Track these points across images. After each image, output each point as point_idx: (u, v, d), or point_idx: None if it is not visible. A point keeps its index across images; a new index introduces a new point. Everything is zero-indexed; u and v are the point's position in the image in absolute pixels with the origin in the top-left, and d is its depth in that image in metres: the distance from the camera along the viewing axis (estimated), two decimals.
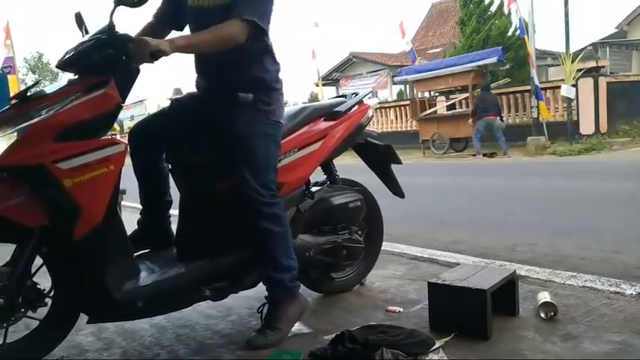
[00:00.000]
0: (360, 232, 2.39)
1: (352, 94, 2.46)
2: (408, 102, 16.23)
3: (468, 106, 13.03)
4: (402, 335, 1.78)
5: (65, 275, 1.74)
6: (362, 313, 2.19)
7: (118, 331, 2.15)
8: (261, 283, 2.06)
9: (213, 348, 1.94)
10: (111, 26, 1.66)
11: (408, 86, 20.73)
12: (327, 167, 2.38)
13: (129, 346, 2.00)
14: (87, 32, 1.83)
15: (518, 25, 12.94)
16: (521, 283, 2.23)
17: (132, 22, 1.87)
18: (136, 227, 2.10)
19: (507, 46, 15.50)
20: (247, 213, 1.90)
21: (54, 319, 1.78)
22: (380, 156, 2.52)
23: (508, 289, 2.00)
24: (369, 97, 2.57)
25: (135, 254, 1.91)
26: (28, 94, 1.64)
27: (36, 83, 1.77)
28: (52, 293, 1.77)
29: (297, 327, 2.04)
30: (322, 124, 2.22)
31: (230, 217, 1.94)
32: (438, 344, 1.76)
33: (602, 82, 12.09)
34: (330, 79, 24.98)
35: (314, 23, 17.59)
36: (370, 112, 2.40)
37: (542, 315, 1.98)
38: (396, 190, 2.58)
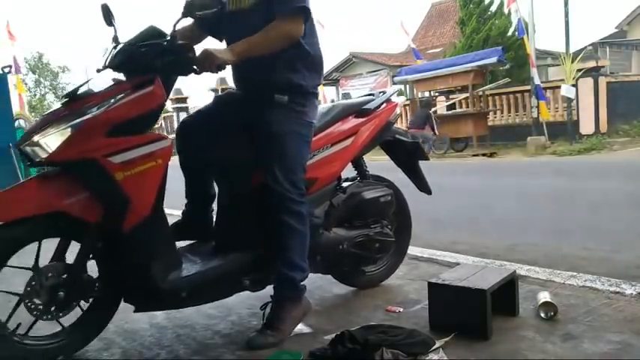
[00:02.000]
0: (389, 226, 2.44)
1: (380, 92, 2.53)
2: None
3: (467, 106, 13.04)
4: (402, 335, 1.78)
5: (112, 266, 1.82)
6: (362, 313, 2.19)
7: (118, 331, 2.15)
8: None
9: (213, 348, 1.94)
10: (174, 35, 1.77)
11: (408, 86, 20.73)
12: (358, 163, 2.44)
13: (129, 346, 2.00)
14: (111, 24, 1.88)
15: (517, 26, 12.93)
16: (521, 282, 2.23)
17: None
18: (180, 218, 2.18)
19: (507, 46, 15.48)
20: (271, 207, 1.94)
21: (98, 308, 1.87)
22: (407, 153, 2.57)
23: (508, 289, 2.00)
24: (396, 95, 2.62)
25: (176, 245, 1.99)
26: (78, 92, 1.74)
27: (85, 82, 1.86)
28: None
29: (298, 327, 2.04)
30: (353, 122, 2.29)
31: (264, 211, 1.99)
32: (437, 344, 1.76)
33: (602, 82, 12.09)
34: (329, 79, 24.95)
35: (320, 25, 17.49)
36: (398, 110, 2.47)
37: (542, 315, 1.98)
38: (423, 186, 2.64)
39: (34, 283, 1.72)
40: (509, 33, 16.93)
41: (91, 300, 1.86)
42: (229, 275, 1.97)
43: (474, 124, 12.41)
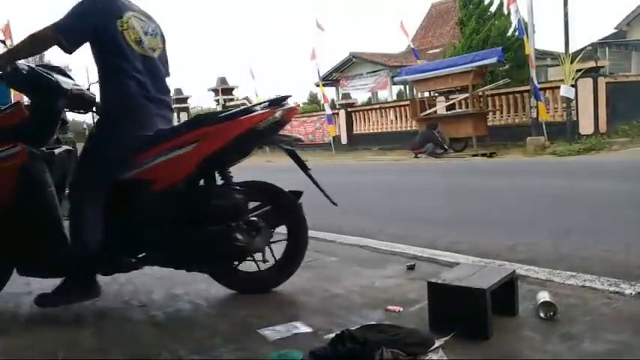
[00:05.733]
0: (248, 232, 2.41)
1: (267, 101, 2.47)
2: (407, 102, 16.26)
3: (467, 107, 13.06)
4: (401, 334, 1.78)
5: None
6: (362, 313, 2.19)
7: (119, 330, 2.16)
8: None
9: (213, 348, 1.94)
10: None
11: (407, 86, 20.76)
12: (222, 171, 2.46)
13: (129, 346, 2.00)
14: None
15: (517, 26, 12.95)
16: (521, 282, 2.23)
17: None
18: None
19: (507, 46, 15.51)
20: None
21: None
22: (295, 160, 2.51)
23: (508, 288, 2.01)
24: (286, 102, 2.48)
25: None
26: None
27: None
28: None
29: (297, 326, 2.04)
30: (199, 130, 2.34)
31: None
32: (437, 344, 1.76)
33: (602, 82, 12.11)
34: (329, 80, 24.97)
35: (318, 26, 17.40)
36: (271, 118, 2.35)
37: (542, 315, 1.98)
38: (326, 196, 2.54)
39: None
40: (509, 33, 16.96)
41: None
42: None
43: (473, 124, 12.43)
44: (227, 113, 2.41)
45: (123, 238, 2.36)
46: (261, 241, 2.45)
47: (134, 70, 2.31)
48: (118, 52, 2.29)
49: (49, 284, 2.86)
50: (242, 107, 2.47)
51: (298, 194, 2.55)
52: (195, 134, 2.32)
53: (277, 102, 2.42)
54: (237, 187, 2.46)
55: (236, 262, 2.53)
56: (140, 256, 2.41)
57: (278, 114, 2.37)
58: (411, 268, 2.79)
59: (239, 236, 2.38)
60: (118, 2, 2.34)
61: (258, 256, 2.50)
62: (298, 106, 2.66)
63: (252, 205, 2.53)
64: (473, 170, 9.25)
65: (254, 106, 2.46)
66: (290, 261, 2.56)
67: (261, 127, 2.35)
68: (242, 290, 2.57)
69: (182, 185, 2.37)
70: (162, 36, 2.57)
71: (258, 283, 2.58)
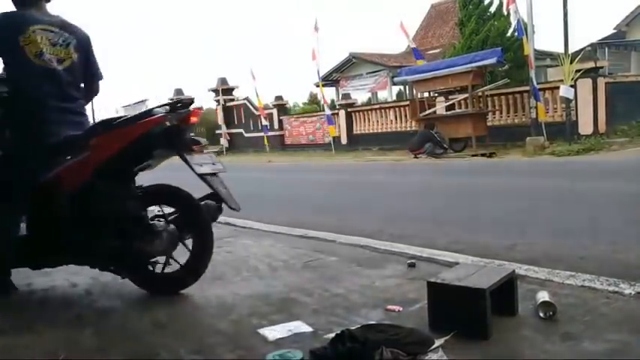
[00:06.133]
0: (143, 236, 2.42)
1: (164, 104, 2.46)
2: (407, 102, 16.26)
3: (467, 107, 13.07)
4: (401, 334, 1.79)
5: None
6: (362, 312, 2.19)
7: (119, 330, 2.16)
8: None
9: (213, 348, 1.94)
10: None
11: (407, 87, 20.77)
12: (124, 176, 2.50)
13: (129, 346, 2.00)
14: None
15: (516, 26, 12.97)
16: (520, 282, 2.24)
17: None
18: None
19: (506, 46, 15.51)
20: None
21: None
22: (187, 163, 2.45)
23: (507, 288, 2.01)
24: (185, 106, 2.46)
25: None
26: None
27: None
28: None
29: (297, 326, 2.04)
30: (97, 137, 2.40)
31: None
32: (437, 343, 1.77)
33: (601, 82, 12.10)
34: (329, 80, 24.98)
35: (315, 27, 17.39)
36: (166, 122, 2.34)
37: (541, 314, 1.99)
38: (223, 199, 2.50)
39: None
40: (509, 34, 16.96)
41: None
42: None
43: (473, 124, 12.44)
44: (126, 117, 2.43)
45: (38, 237, 2.51)
46: (162, 245, 2.46)
47: (33, 83, 2.45)
48: (18, 67, 2.45)
49: (49, 285, 2.88)
50: (144, 110, 2.50)
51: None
52: (92, 141, 2.38)
53: (178, 105, 2.41)
54: (138, 192, 2.51)
55: (145, 263, 2.56)
56: (56, 254, 2.53)
57: (173, 118, 2.37)
58: (412, 265, 2.80)
59: (135, 240, 2.42)
60: (21, 18, 2.44)
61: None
62: (200, 109, 2.61)
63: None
64: (472, 170, 9.25)
65: (156, 108, 2.45)
66: (197, 263, 2.57)
67: (156, 131, 2.34)
68: (153, 291, 2.61)
69: (97, 187, 2.41)
70: (80, 43, 2.62)
71: (168, 284, 2.61)
